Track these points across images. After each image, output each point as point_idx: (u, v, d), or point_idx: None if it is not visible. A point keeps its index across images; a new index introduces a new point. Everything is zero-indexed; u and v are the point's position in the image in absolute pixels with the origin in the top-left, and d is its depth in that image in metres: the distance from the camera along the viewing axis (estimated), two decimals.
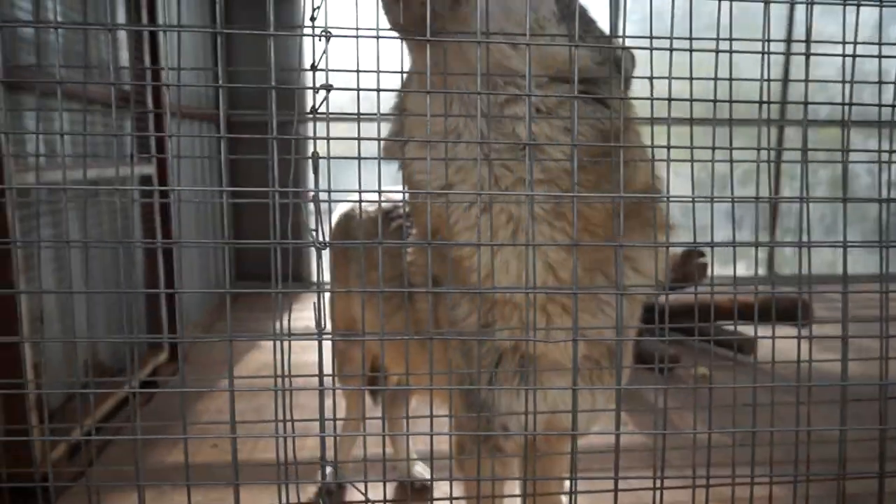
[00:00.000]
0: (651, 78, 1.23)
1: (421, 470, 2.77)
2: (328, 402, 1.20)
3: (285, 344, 1.11)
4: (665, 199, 1.38)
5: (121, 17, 3.72)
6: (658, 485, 1.18)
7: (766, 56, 1.20)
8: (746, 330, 4.32)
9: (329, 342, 2.63)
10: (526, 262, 1.35)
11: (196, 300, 5.21)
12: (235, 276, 6.45)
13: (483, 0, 1.13)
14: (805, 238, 1.24)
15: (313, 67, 1.07)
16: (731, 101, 1.24)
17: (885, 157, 1.32)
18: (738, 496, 1.30)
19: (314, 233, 1.07)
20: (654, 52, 1.21)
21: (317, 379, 1.14)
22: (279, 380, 1.12)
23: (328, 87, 1.04)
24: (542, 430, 1.56)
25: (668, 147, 1.21)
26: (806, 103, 1.27)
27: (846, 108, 1.26)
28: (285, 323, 1.16)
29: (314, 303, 1.08)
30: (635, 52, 1.44)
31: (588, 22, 1.43)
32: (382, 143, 1.34)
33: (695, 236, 1.30)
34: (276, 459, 1.11)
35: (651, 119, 1.32)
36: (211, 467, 2.81)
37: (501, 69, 1.32)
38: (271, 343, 1.14)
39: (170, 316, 4.01)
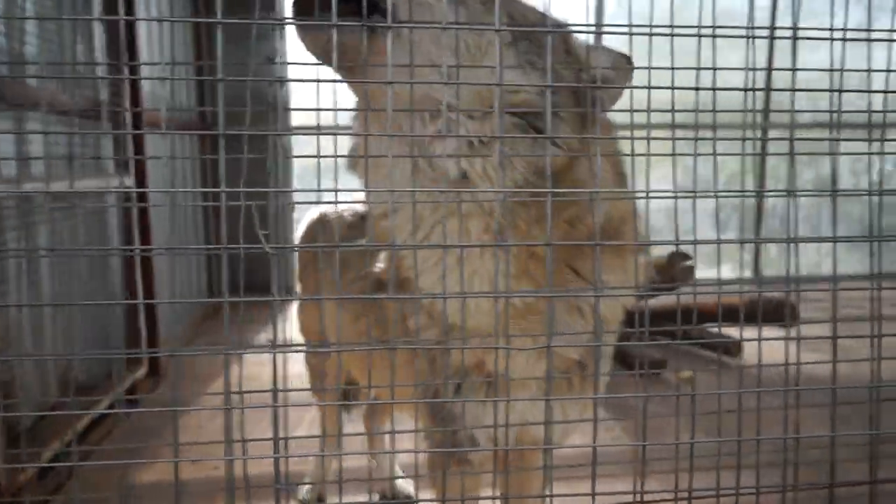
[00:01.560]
0: (632, 88, 1.20)
1: (404, 485, 2.72)
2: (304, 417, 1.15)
3: (247, 357, 1.06)
4: (645, 196, 1.32)
5: (97, 28, 3.67)
6: (638, 498, 1.14)
7: (749, 42, 1.17)
8: (733, 332, 4.32)
9: (305, 362, 2.59)
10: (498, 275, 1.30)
11: (176, 312, 5.13)
12: (220, 286, 6.38)
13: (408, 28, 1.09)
14: (791, 235, 1.21)
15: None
16: (714, 111, 1.21)
17: (874, 148, 1.29)
18: None
19: (265, 237, 1.03)
20: (634, 46, 1.18)
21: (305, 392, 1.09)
22: (234, 396, 1.07)
23: (282, 81, 1.00)
24: (511, 444, 1.51)
25: (648, 154, 1.18)
26: (793, 90, 1.24)
27: (835, 96, 1.23)
28: (257, 335, 1.12)
29: (299, 313, 1.04)
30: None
31: (540, 45, 1.30)
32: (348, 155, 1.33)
33: (677, 234, 1.26)
34: (226, 481, 1.06)
35: (632, 125, 1.28)
36: (188, 484, 2.75)
37: (429, 102, 1.23)
38: (256, 355, 1.10)
39: (149, 329, 3.94)
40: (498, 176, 1.24)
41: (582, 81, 1.34)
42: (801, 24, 1.22)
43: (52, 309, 3.04)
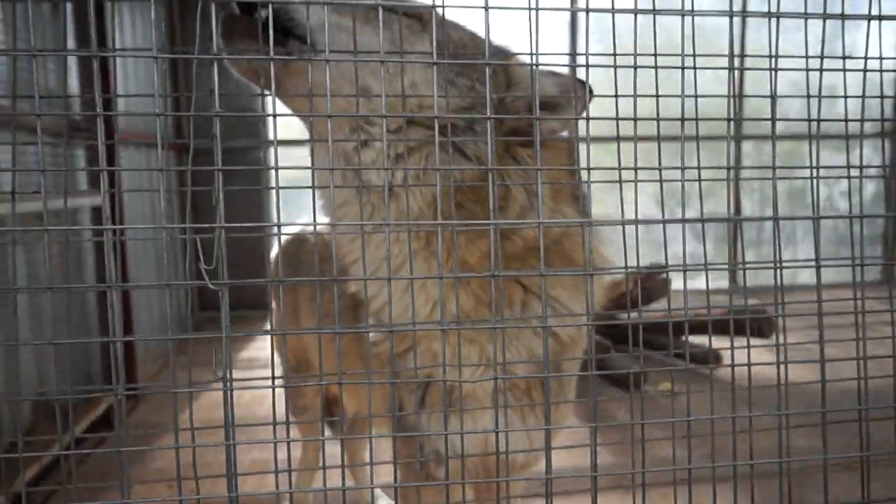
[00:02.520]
0: (617, 96, 1.20)
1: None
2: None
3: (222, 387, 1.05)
4: (634, 223, 1.34)
5: (70, 45, 3.64)
6: None
7: (731, 72, 1.19)
8: (715, 344, 4.34)
9: (281, 383, 2.57)
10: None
11: (156, 328, 5.07)
12: (199, 307, 6.32)
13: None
14: (774, 256, 1.22)
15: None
16: (693, 119, 1.22)
17: (853, 172, 1.31)
18: None
19: (205, 269, 1.03)
20: (615, 71, 1.18)
21: (274, 423, 1.08)
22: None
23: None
24: (476, 460, 1.55)
25: (624, 168, 1.18)
26: (773, 119, 1.25)
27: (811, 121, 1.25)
28: (237, 353, 1.10)
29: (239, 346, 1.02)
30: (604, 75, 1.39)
31: (465, 65, 1.38)
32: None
33: (667, 256, 1.27)
34: None
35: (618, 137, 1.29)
36: None
37: (351, 118, 1.32)
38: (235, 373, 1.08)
39: (127, 354, 3.89)
40: (418, 187, 1.31)
41: (507, 103, 1.38)
42: (769, 40, 1.24)
43: (27, 329, 2.99)
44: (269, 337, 1.33)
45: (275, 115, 1.19)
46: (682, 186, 1.16)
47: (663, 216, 1.20)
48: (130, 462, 1.11)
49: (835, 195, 7.69)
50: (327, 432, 2.70)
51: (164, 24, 6.11)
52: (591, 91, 1.36)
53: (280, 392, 2.45)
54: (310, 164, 1.21)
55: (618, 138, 1.23)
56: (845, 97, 1.32)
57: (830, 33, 1.30)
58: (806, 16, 1.19)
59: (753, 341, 1.37)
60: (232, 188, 1.09)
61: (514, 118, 1.36)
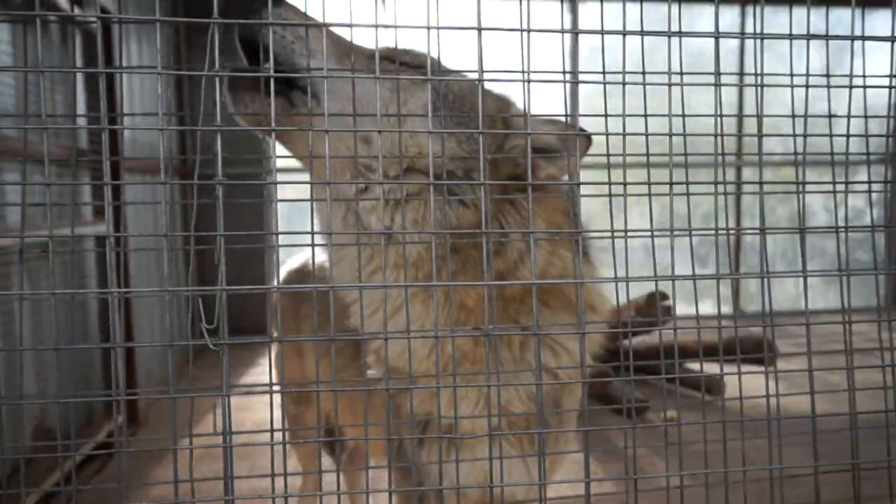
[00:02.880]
0: (607, 115, 1.22)
1: None
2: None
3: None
4: (624, 235, 1.35)
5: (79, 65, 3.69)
6: None
7: (718, 89, 1.20)
8: (713, 369, 4.33)
9: (280, 404, 2.57)
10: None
11: (156, 355, 5.06)
12: (199, 325, 6.29)
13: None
14: (766, 270, 1.23)
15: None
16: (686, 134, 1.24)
17: (839, 188, 1.32)
18: None
19: (206, 330, 1.05)
20: (607, 93, 1.20)
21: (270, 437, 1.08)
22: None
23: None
24: (476, 497, 1.57)
25: (617, 185, 1.19)
26: (760, 135, 1.27)
27: (798, 140, 1.27)
28: (240, 378, 1.11)
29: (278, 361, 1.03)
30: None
31: (463, 114, 1.42)
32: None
33: (655, 270, 1.28)
34: None
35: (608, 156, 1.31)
36: None
37: (352, 164, 1.35)
38: (234, 400, 1.09)
39: (128, 373, 3.88)
40: (416, 231, 1.34)
41: (505, 150, 1.41)
42: (769, 65, 1.26)
43: (29, 354, 2.99)
44: (269, 359, 1.34)
45: (273, 131, 1.21)
46: (671, 203, 1.17)
47: (652, 233, 1.21)
48: (129, 489, 1.11)
49: (840, 220, 7.70)
50: (327, 460, 2.69)
51: (171, 47, 6.19)
52: (589, 139, 1.40)
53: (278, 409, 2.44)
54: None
55: (623, 156, 1.24)
56: (830, 117, 1.33)
57: (833, 59, 1.32)
58: (791, 37, 1.21)
59: (754, 368, 1.37)
60: (235, 200, 1.10)
61: (512, 161, 1.40)
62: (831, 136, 1.33)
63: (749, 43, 6.91)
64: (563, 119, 1.45)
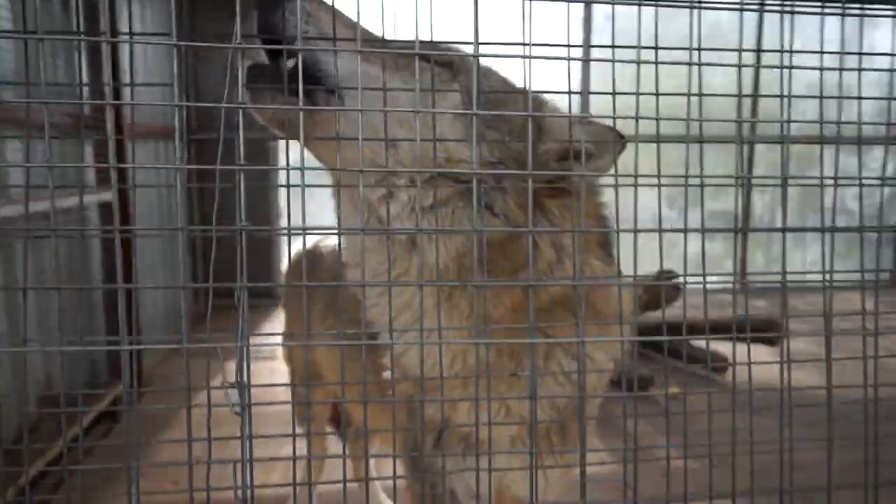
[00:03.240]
0: (614, 93, 1.18)
1: None
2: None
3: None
4: (633, 231, 1.31)
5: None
6: None
7: (739, 66, 1.16)
8: (721, 346, 4.31)
9: (290, 391, 2.56)
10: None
11: (159, 325, 5.08)
12: (205, 293, 6.31)
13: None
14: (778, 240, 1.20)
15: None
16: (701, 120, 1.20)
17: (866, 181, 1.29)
18: None
19: (228, 390, 1.02)
20: (617, 69, 1.16)
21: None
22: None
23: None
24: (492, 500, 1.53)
25: (633, 174, 1.16)
26: (782, 122, 1.23)
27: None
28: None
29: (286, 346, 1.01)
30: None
31: (496, 118, 1.33)
32: None
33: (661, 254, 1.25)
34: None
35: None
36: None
37: (375, 167, 1.28)
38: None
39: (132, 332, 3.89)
40: (442, 239, 1.28)
41: (537, 154, 1.31)
42: (787, 36, 1.21)
43: (34, 325, 2.99)
44: (277, 330, 1.32)
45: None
46: (686, 190, 1.14)
47: (659, 224, 1.18)
48: (139, 450, 1.11)
49: (847, 197, 7.62)
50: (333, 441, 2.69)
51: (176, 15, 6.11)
52: (623, 139, 1.33)
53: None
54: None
55: (636, 143, 1.20)
56: (859, 98, 1.29)
57: (849, 33, 1.27)
58: (823, 13, 1.16)
59: (762, 349, 1.35)
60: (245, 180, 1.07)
61: (543, 173, 1.31)
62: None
63: (767, 21, 6.76)
64: (598, 120, 1.37)
